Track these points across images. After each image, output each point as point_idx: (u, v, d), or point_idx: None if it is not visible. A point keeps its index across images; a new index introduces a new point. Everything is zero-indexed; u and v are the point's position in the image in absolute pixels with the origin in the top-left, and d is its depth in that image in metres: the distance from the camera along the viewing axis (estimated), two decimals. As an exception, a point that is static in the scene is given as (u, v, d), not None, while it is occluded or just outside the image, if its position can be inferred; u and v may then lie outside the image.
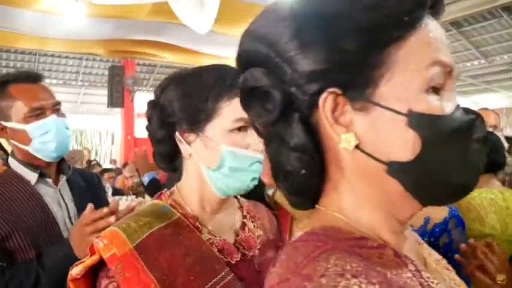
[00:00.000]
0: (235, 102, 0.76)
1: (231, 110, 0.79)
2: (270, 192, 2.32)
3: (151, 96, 0.88)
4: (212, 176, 0.82)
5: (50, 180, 1.37)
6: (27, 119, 1.30)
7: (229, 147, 0.80)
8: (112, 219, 1.16)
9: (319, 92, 0.45)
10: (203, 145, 0.81)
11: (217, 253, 0.78)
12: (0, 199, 1.24)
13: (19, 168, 1.34)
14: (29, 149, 1.32)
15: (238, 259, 0.81)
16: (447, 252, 1.36)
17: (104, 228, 1.05)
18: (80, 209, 1.33)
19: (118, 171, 7.01)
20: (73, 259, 1.07)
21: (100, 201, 1.42)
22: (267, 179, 2.12)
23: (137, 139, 10.11)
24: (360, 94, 0.44)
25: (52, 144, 1.32)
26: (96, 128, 13.30)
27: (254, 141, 0.80)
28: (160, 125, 0.82)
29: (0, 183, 1.28)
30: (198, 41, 6.78)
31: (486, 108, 2.81)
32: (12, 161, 1.36)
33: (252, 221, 0.91)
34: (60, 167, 1.43)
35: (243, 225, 0.89)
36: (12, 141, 1.35)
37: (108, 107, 9.96)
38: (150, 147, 1.03)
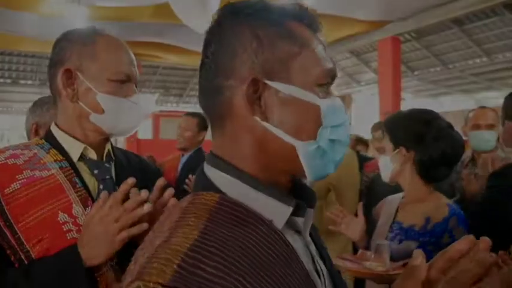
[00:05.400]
0: None
1: None
2: None
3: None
4: None
5: (300, 220, 0.63)
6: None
7: None
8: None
9: None
10: None
11: None
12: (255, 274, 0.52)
13: (259, 199, 0.60)
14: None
15: None
16: None
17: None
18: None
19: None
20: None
21: None
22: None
23: (140, 141, 10.14)
24: None
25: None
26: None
27: None
28: None
29: (241, 235, 0.55)
30: (200, 42, 6.78)
31: (484, 107, 2.80)
32: (241, 188, 0.60)
33: None
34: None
35: None
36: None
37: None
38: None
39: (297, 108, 0.61)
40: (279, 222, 0.59)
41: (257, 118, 0.60)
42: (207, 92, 0.64)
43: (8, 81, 9.47)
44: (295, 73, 0.61)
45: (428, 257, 1.59)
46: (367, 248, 1.55)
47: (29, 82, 9.85)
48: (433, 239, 1.39)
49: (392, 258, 1.35)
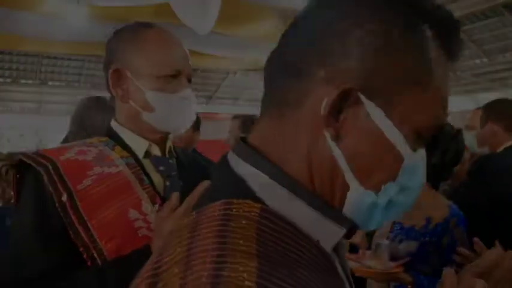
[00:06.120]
0: None
1: None
2: None
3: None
4: None
5: (344, 240, 0.65)
6: None
7: None
8: None
9: None
10: None
11: None
12: None
13: (305, 213, 0.47)
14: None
15: None
16: (450, 253, 1.36)
17: None
18: None
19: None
20: None
21: None
22: None
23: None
24: None
25: None
26: (99, 130, 13.34)
27: None
28: None
29: (291, 259, 0.43)
30: (200, 42, 6.80)
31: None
32: (285, 197, 0.48)
33: None
34: None
35: None
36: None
37: (111, 108, 9.98)
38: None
39: (379, 147, 0.45)
40: (327, 244, 0.46)
41: (327, 133, 0.45)
42: (281, 61, 0.48)
43: (8, 80, 9.47)
44: (402, 105, 0.44)
45: (427, 256, 1.59)
46: (368, 249, 1.56)
47: (29, 82, 9.84)
48: (434, 238, 1.40)
49: (393, 258, 1.36)
